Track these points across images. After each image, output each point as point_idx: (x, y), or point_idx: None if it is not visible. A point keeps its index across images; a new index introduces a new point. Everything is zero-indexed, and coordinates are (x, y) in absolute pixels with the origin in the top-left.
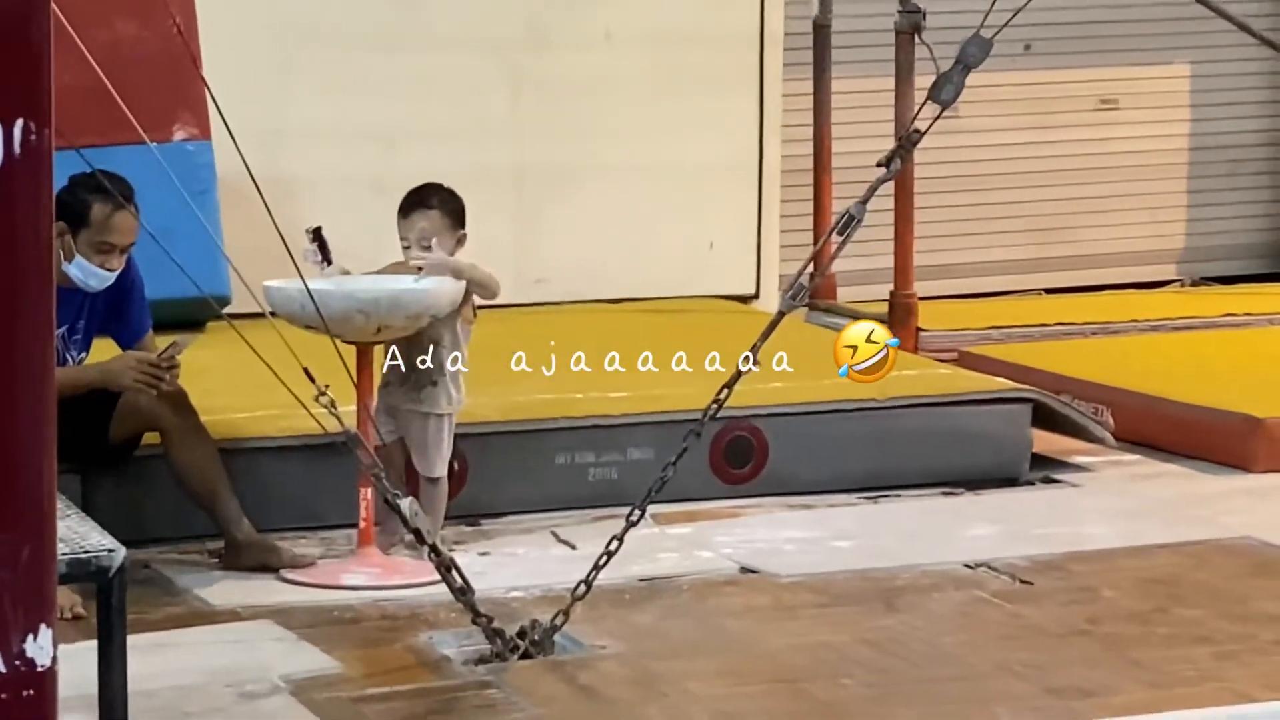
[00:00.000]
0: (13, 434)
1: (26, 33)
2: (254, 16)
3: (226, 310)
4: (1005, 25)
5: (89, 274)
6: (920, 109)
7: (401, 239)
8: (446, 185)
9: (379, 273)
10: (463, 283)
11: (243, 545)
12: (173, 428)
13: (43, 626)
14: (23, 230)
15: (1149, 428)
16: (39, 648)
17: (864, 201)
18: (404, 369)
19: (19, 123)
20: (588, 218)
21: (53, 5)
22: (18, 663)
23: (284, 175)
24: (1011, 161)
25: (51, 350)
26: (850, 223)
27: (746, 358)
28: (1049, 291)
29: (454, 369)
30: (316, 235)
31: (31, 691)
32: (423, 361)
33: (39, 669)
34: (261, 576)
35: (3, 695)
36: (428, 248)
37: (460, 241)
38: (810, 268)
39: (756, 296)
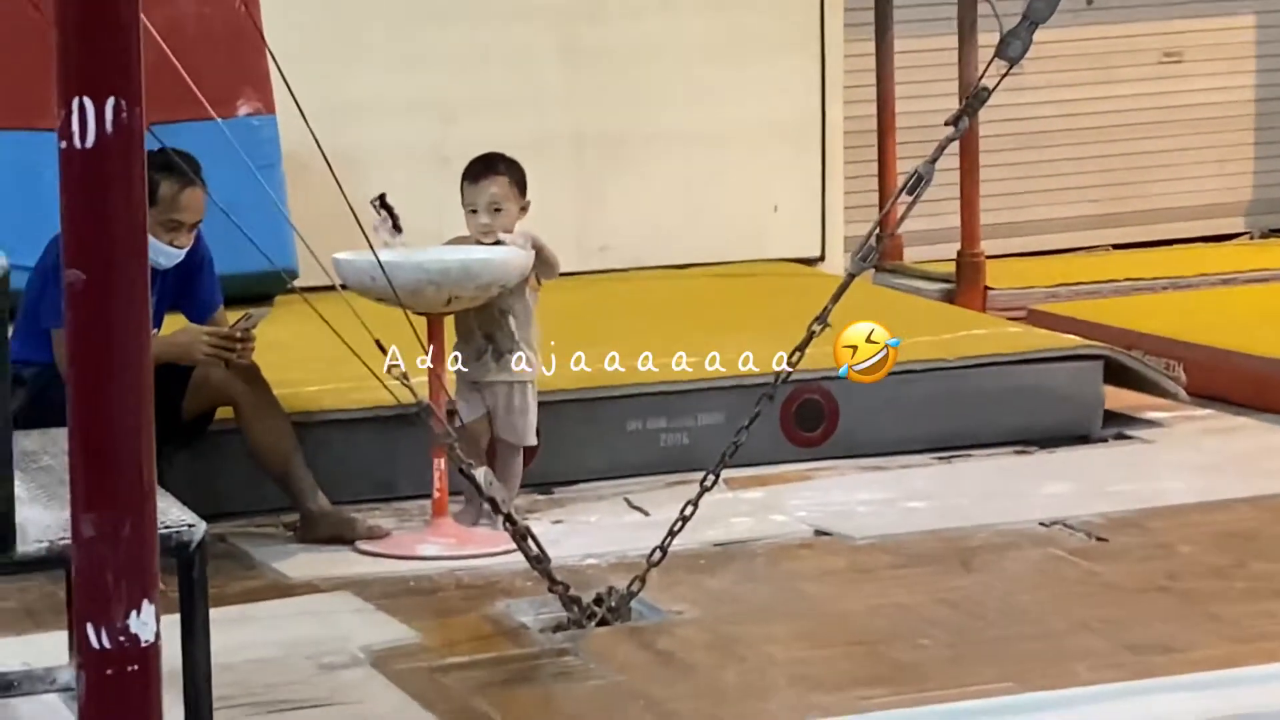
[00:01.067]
0: (111, 412)
1: (116, 12)
2: None
3: (295, 283)
4: None
5: (158, 252)
6: (988, 67)
7: (468, 205)
8: (508, 155)
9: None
10: (532, 253)
11: (317, 517)
12: (246, 401)
13: (145, 602)
14: (116, 205)
15: (1221, 382)
16: (142, 623)
17: (933, 161)
18: (481, 342)
19: (110, 100)
20: (649, 184)
21: None
22: (122, 639)
23: (347, 148)
24: (1076, 117)
25: (148, 328)
26: (919, 182)
27: (818, 320)
28: (1117, 247)
29: (525, 337)
30: (383, 204)
31: (136, 667)
32: (495, 334)
33: (143, 644)
34: (337, 549)
35: (108, 670)
36: (499, 210)
37: (524, 209)
38: (878, 229)
39: (822, 259)
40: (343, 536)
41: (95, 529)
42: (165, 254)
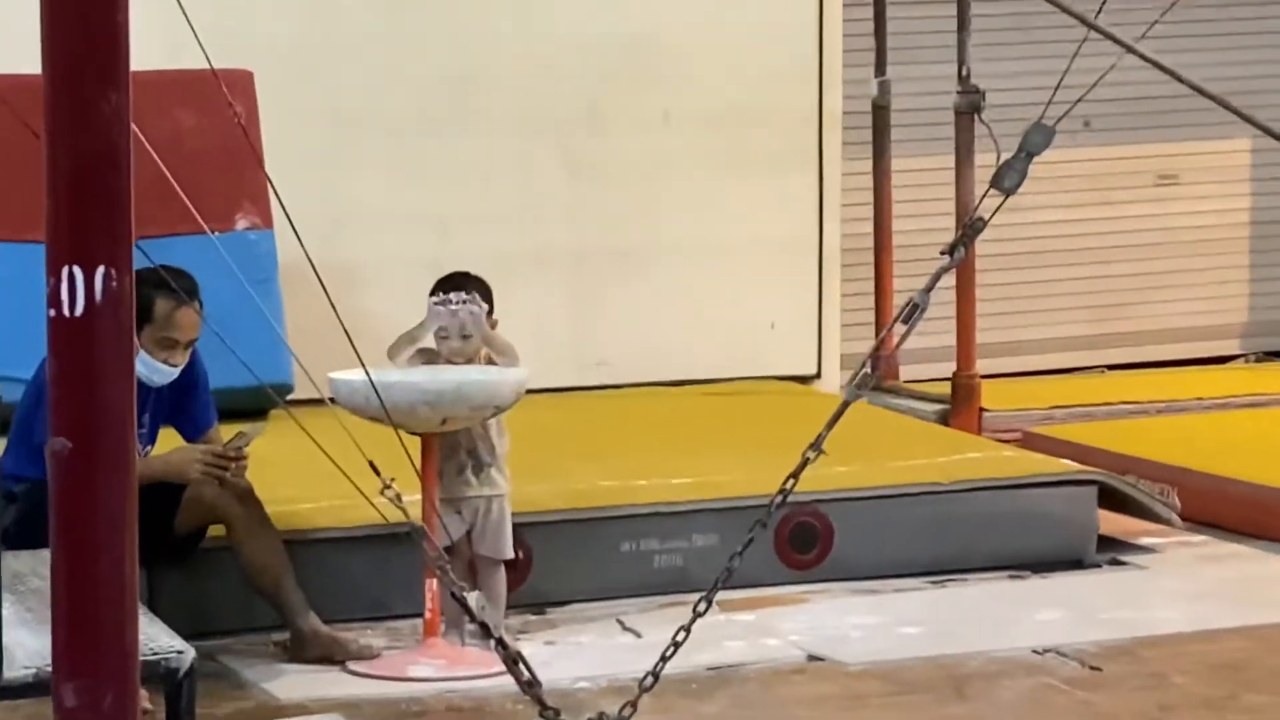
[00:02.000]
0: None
1: (107, 180)
2: (312, 102)
3: (290, 398)
4: (1068, 112)
5: (153, 370)
6: (983, 197)
7: (439, 329)
8: (474, 273)
9: (413, 361)
10: (526, 373)
11: (308, 636)
12: (238, 519)
13: None
14: (104, 374)
15: (1216, 508)
16: None
17: (928, 290)
18: (463, 457)
19: (100, 269)
20: (647, 299)
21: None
22: None
23: (344, 261)
24: (1072, 238)
25: (133, 497)
26: (915, 311)
27: (813, 447)
28: (1111, 368)
29: (501, 450)
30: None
31: None
32: (476, 449)
33: None
34: (328, 669)
35: None
36: (467, 336)
37: (492, 327)
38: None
39: (818, 376)
40: (333, 656)
41: (77, 699)
42: (159, 371)
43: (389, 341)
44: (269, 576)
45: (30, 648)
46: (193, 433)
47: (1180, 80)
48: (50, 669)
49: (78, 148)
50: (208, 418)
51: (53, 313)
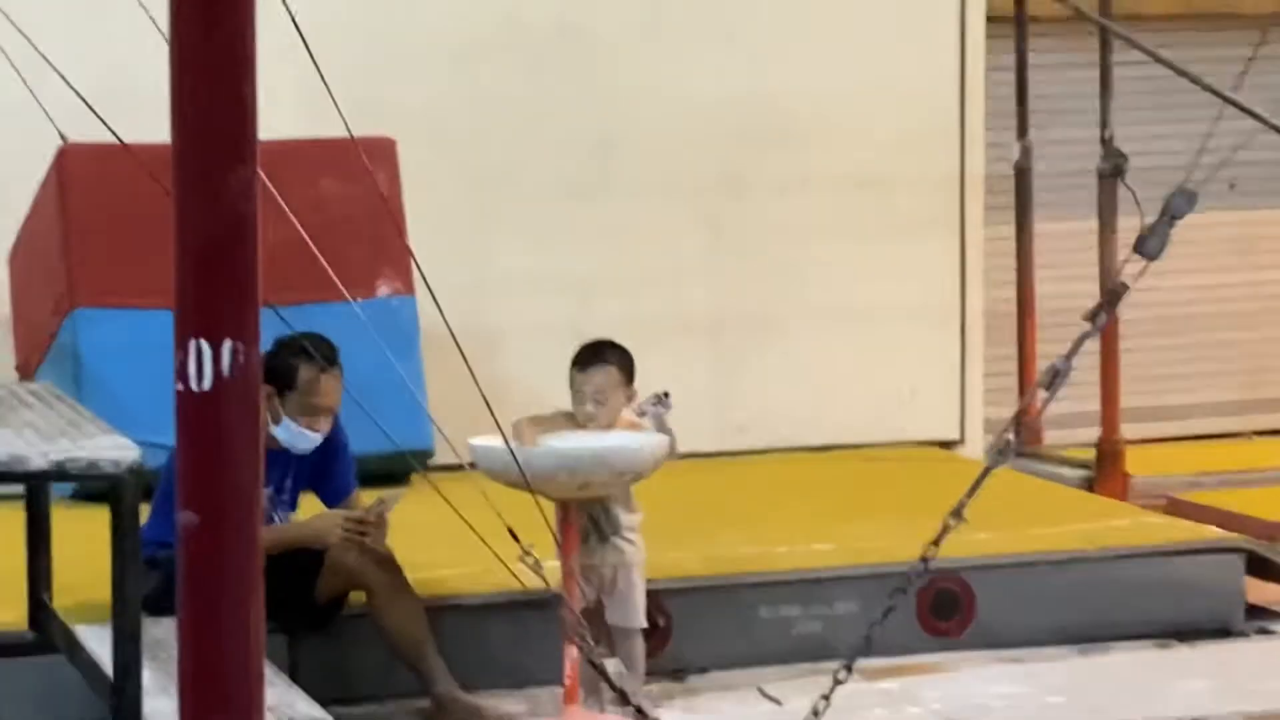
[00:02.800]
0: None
1: (235, 257)
2: (454, 168)
3: (430, 463)
4: (1212, 175)
5: (296, 437)
6: (1126, 261)
7: (575, 392)
8: (617, 342)
9: (549, 419)
10: (665, 438)
11: (448, 703)
12: (379, 585)
13: None
14: (232, 449)
15: None
16: None
17: (1070, 356)
18: (586, 525)
19: (227, 344)
20: (787, 364)
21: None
22: None
23: (485, 327)
24: (1217, 302)
25: (258, 570)
26: (1056, 377)
27: (954, 514)
28: (1259, 434)
29: (632, 518)
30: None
31: None
32: (598, 518)
33: None
34: None
35: None
36: (601, 403)
37: (630, 399)
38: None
39: (961, 442)
40: None
41: None
42: (303, 438)
43: (528, 409)
44: (409, 643)
45: (169, 715)
46: (333, 499)
47: None
48: None
49: (205, 222)
50: (348, 483)
51: (180, 386)
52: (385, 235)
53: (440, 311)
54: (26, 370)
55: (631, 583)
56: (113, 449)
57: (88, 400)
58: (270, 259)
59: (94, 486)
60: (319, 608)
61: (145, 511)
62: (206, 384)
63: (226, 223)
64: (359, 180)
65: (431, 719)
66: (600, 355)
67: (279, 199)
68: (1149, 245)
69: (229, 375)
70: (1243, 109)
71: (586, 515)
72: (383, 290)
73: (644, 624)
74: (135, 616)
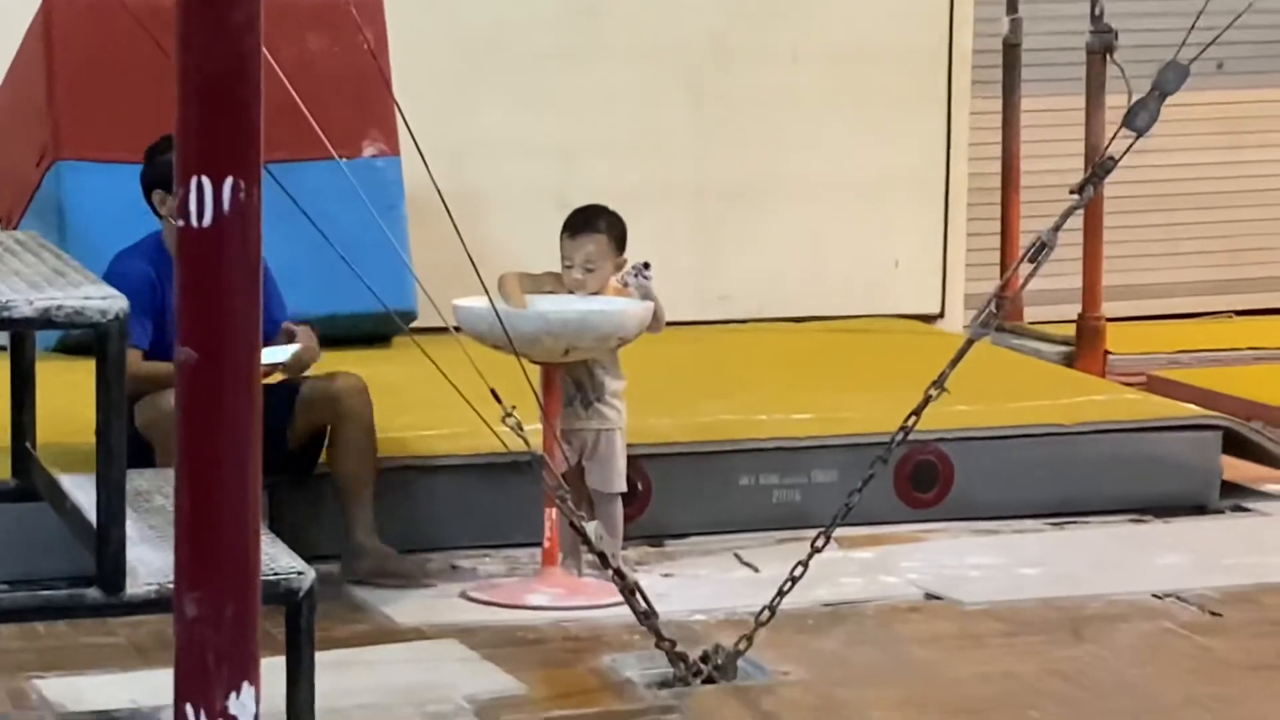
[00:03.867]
0: (218, 493)
1: (237, 91)
2: (440, 30)
3: (413, 325)
4: (1203, 51)
5: None
6: (1114, 136)
7: (565, 258)
8: (611, 209)
9: (537, 278)
10: (650, 305)
11: (363, 551)
12: (350, 415)
13: (245, 684)
14: (232, 286)
15: None
16: (241, 705)
17: (1056, 229)
18: (570, 389)
19: (228, 180)
20: (771, 234)
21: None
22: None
23: (469, 189)
24: (1202, 181)
25: (258, 409)
26: (1042, 250)
27: (936, 384)
28: (1239, 313)
29: (616, 384)
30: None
31: None
32: (583, 382)
33: None
34: (446, 595)
35: None
36: (591, 270)
37: (619, 266)
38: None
39: (942, 316)
40: (385, 571)
41: (198, 609)
42: None
43: (513, 269)
44: (353, 481)
45: (153, 565)
46: (270, 330)
47: None
48: (172, 585)
49: (208, 58)
50: (282, 312)
51: (181, 223)
52: (371, 96)
53: (429, 171)
54: (9, 223)
55: (613, 447)
56: (100, 298)
57: (71, 253)
58: None
59: (79, 337)
60: (293, 453)
61: None
62: (207, 220)
63: (230, 59)
64: (345, 39)
65: (343, 565)
66: (591, 223)
67: (267, 55)
68: (1138, 119)
69: (229, 212)
70: None
71: (571, 379)
72: (368, 150)
73: (624, 489)
74: (120, 466)
